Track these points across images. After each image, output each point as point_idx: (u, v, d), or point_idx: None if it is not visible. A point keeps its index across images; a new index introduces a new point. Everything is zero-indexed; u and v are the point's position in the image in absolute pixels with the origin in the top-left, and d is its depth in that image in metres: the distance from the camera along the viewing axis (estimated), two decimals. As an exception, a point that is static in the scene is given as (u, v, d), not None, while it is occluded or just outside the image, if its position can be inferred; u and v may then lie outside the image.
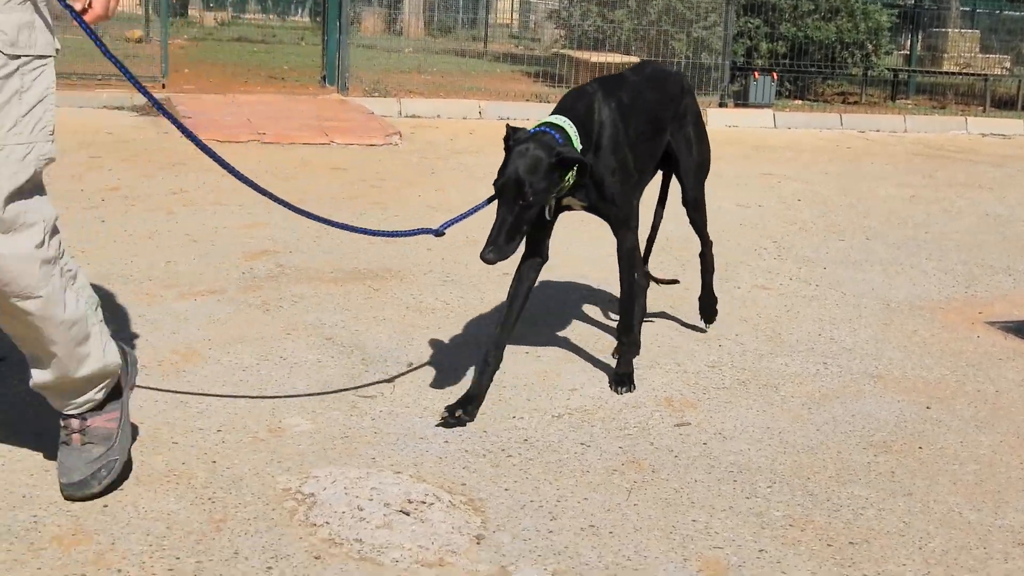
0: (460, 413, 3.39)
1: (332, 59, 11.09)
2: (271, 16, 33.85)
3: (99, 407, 2.91)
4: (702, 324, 4.48)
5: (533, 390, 3.73)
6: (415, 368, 3.88)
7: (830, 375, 4.06)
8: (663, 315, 4.67)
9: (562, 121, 3.42)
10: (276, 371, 3.77)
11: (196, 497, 2.84)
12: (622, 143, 3.57)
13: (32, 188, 2.56)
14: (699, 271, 4.43)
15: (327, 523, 2.74)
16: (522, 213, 3.24)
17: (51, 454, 2.96)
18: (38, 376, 2.81)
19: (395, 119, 10.05)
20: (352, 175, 7.40)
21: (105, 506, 2.77)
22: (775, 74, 13.33)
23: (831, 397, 3.84)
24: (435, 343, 4.13)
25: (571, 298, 4.88)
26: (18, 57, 2.50)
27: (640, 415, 3.57)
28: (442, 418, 3.39)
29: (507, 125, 3.43)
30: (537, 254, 3.59)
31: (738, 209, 7.17)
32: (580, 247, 5.52)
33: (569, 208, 3.65)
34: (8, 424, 3.21)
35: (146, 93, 2.94)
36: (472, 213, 3.44)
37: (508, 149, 3.32)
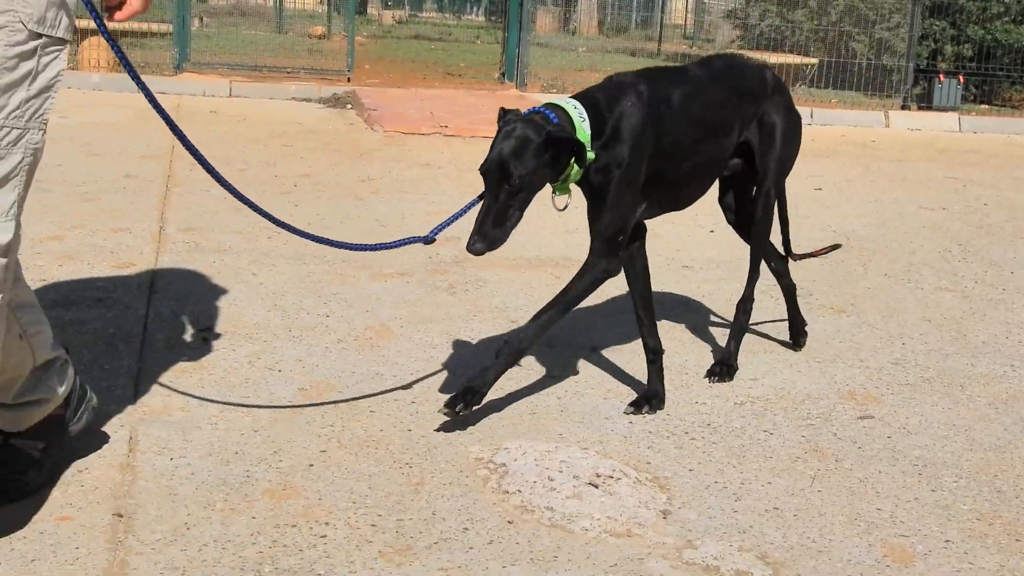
0: (646, 408, 3.43)
1: (511, 56, 11.28)
2: (447, 15, 34.43)
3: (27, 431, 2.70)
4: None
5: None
6: (598, 351, 3.97)
7: (1018, 377, 4.00)
8: (843, 311, 4.65)
9: (568, 103, 3.16)
10: (463, 350, 3.91)
11: (394, 462, 2.99)
12: (643, 146, 3.21)
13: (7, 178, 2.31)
14: (782, 296, 4.18)
15: (519, 491, 2.85)
16: (510, 198, 3.00)
17: (259, 415, 3.15)
18: None
19: (573, 115, 10.15)
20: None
21: (311, 465, 2.93)
22: (961, 77, 12.99)
23: (1020, 398, 3.78)
24: (616, 330, 4.22)
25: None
26: (40, 36, 2.30)
27: (823, 406, 3.59)
28: (627, 413, 3.43)
29: (501, 108, 3.20)
30: (635, 235, 3.44)
31: (922, 212, 7.05)
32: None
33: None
34: (220, 387, 3.41)
35: (144, 89, 2.64)
36: (462, 214, 3.28)
37: (499, 129, 3.09)
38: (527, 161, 2.97)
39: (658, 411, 3.43)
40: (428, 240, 3.23)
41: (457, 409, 3.09)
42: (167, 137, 4.80)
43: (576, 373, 3.75)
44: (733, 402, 3.58)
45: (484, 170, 3.02)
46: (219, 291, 4.33)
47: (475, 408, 3.16)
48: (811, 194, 7.34)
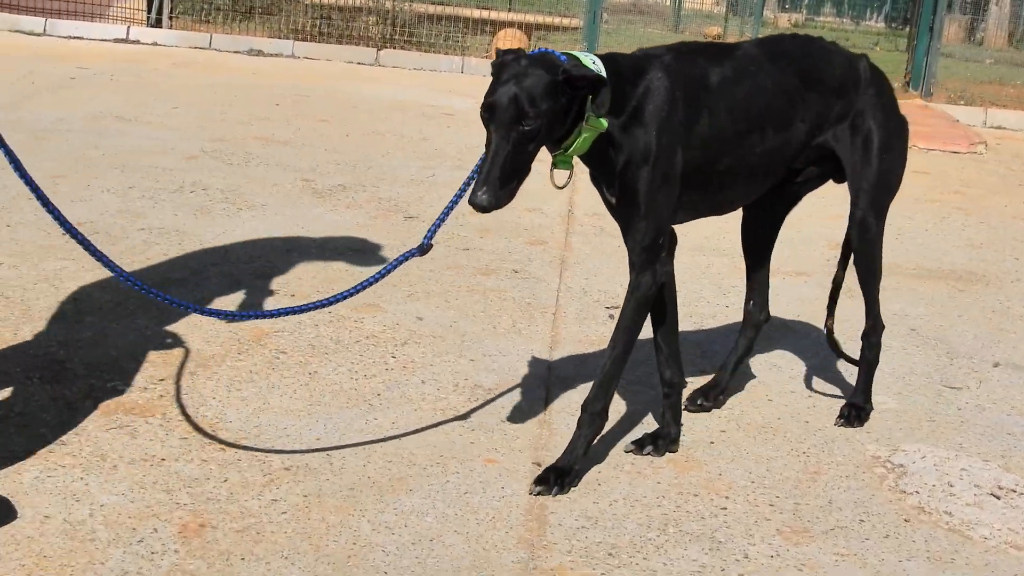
0: (650, 449, 2.97)
1: (919, 65, 10.96)
2: (845, 19, 33.69)
3: None
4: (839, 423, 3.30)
5: None
6: (1001, 366, 3.89)
7: None
8: None
9: (586, 56, 2.62)
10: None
11: (791, 450, 3.09)
12: (673, 133, 2.68)
13: None
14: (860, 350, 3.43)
15: (916, 492, 2.89)
16: (521, 145, 2.47)
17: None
18: None
19: (979, 128, 9.77)
20: (933, 180, 7.35)
21: (711, 443, 3.09)
22: None
23: None
24: (1022, 349, 4.11)
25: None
26: None
27: None
28: (627, 451, 2.98)
29: (497, 48, 2.72)
30: None
31: None
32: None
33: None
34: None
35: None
36: (451, 208, 2.88)
37: (499, 66, 2.56)
38: (542, 101, 2.47)
39: (666, 453, 2.97)
40: (424, 249, 2.88)
41: (553, 492, 2.70)
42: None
43: (978, 386, 3.70)
44: None
45: (491, 106, 2.48)
46: (624, 272, 4.55)
47: (572, 488, 2.75)
48: None
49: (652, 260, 2.76)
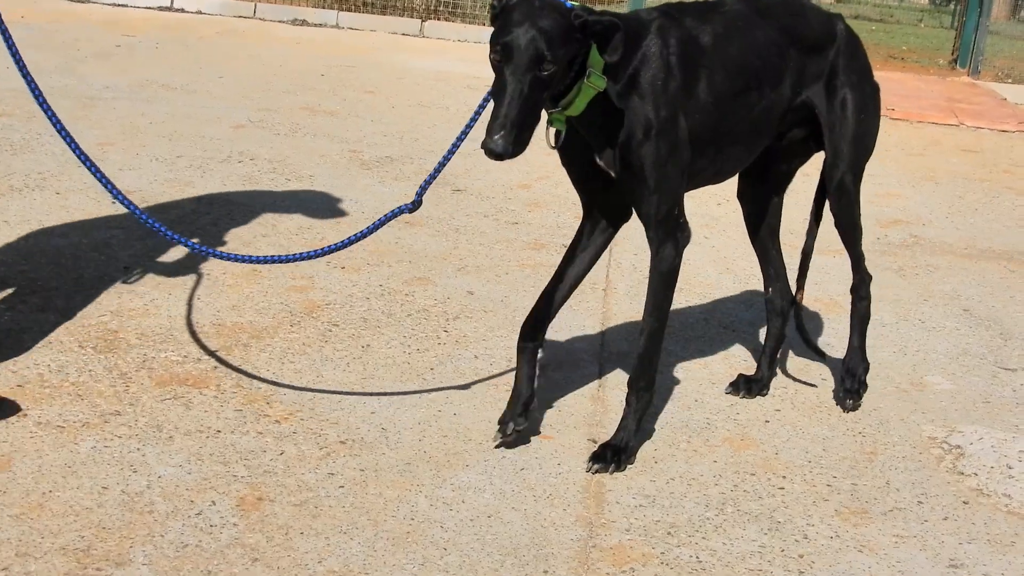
0: (597, 467, 2.72)
1: (967, 41, 10.82)
2: (889, -5, 33.35)
3: None
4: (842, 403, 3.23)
5: None
6: (1057, 351, 3.85)
7: None
8: None
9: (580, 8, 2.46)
10: (915, 332, 3.90)
11: (847, 429, 3.07)
12: (673, 98, 2.59)
13: None
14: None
15: (975, 474, 2.86)
16: (537, 91, 2.34)
17: (715, 369, 3.32)
18: None
19: (1027, 106, 9.65)
20: (983, 158, 7.26)
21: (767, 422, 3.07)
22: None
23: None
24: (1079, 330, 4.07)
25: None
26: None
27: None
28: (590, 471, 2.72)
29: None
30: (609, 212, 2.83)
31: None
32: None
33: (607, 176, 2.69)
34: (676, 340, 3.61)
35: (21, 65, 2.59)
36: (444, 163, 2.83)
37: (507, 8, 2.40)
38: (560, 45, 2.35)
39: (623, 468, 2.73)
40: (414, 205, 2.81)
41: (610, 470, 2.69)
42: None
43: (1032, 368, 3.66)
44: None
45: (507, 47, 2.34)
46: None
47: (629, 466, 2.74)
48: None
49: (671, 231, 2.67)
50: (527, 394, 2.79)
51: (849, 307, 3.31)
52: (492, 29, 2.44)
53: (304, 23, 10.37)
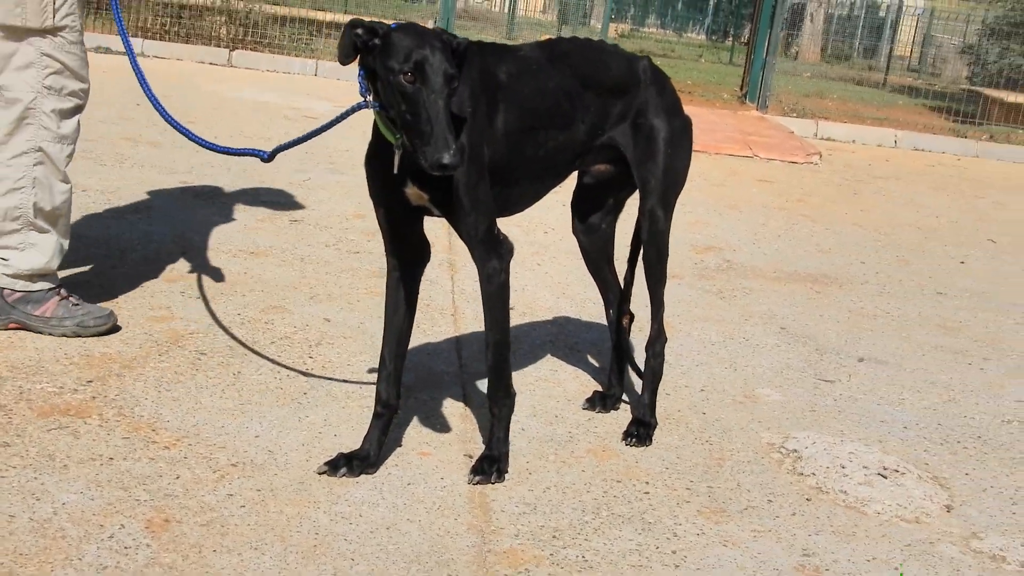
0: (479, 478, 2.88)
1: (755, 78, 11.50)
2: (668, 31, 34.77)
3: None
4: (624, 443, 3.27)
5: (978, 397, 4.00)
6: (865, 361, 4.23)
7: None
8: (1103, 349, 4.79)
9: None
10: (741, 349, 4.22)
11: (695, 439, 3.34)
12: (479, 126, 2.72)
13: None
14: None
15: (813, 474, 3.17)
16: (448, 107, 2.48)
17: (569, 388, 3.55)
18: None
19: (812, 140, 10.34)
20: (778, 188, 7.78)
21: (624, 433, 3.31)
22: None
23: None
24: (883, 343, 4.47)
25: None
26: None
27: (1089, 432, 3.78)
28: (470, 481, 2.88)
29: (353, 19, 2.63)
30: (415, 251, 2.94)
31: None
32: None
33: (425, 210, 2.83)
34: (526, 360, 3.82)
35: (139, 73, 3.23)
36: (311, 136, 2.95)
37: (393, 34, 2.53)
38: (454, 66, 2.52)
39: (502, 477, 2.90)
40: (268, 158, 2.90)
41: (492, 480, 2.85)
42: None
43: (848, 379, 4.02)
44: (1001, 419, 3.80)
45: (421, 65, 2.46)
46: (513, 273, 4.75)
47: (507, 476, 2.90)
48: (1059, 234, 7.38)
49: (494, 244, 2.77)
50: (372, 456, 2.87)
51: (674, 329, 3.50)
52: (358, 57, 2.57)
53: (108, 51, 10.21)
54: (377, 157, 2.77)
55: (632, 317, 3.52)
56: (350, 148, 6.90)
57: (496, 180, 2.83)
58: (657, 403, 3.36)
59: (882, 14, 24.94)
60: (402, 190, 2.75)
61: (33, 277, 3.50)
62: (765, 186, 7.83)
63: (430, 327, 3.99)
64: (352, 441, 3.00)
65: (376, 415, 2.92)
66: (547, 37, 3.47)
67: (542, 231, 5.55)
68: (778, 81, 12.37)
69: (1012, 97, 13.22)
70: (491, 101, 2.78)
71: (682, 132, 3.21)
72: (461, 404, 3.38)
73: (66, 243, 3.58)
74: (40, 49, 3.34)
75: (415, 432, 3.14)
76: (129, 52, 3.29)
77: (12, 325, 3.48)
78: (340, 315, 4.02)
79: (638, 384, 3.51)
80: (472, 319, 4.14)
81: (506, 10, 20.13)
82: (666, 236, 3.23)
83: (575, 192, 3.38)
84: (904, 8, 23.49)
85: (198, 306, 3.90)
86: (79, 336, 3.48)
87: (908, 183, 8.87)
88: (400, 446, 3.03)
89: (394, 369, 2.93)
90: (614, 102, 3.09)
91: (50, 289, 3.53)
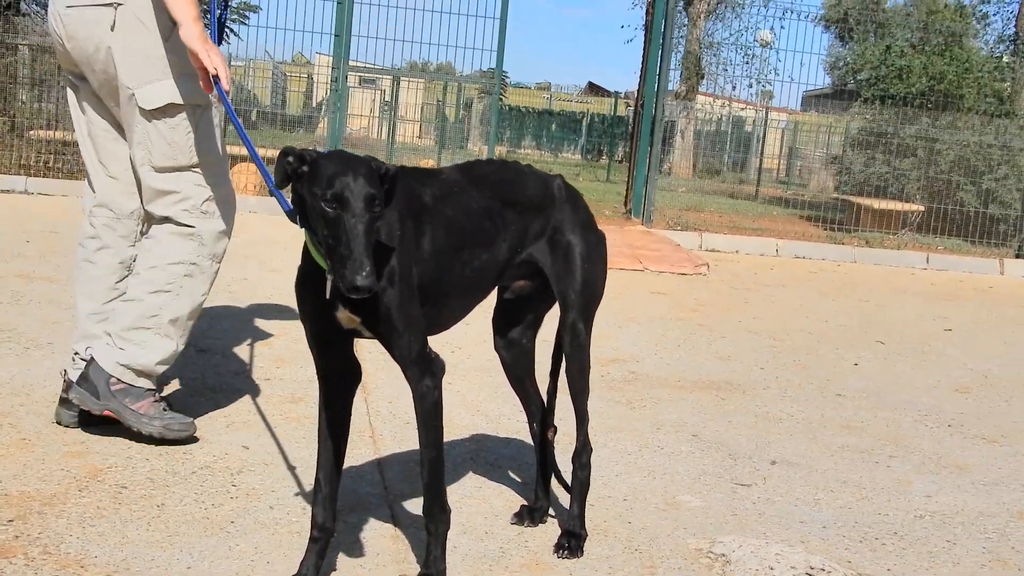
0: None
1: (639, 193, 11.82)
2: (544, 152, 35.57)
3: None
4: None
5: (889, 494, 4.12)
6: (777, 464, 4.33)
7: None
8: (995, 442, 4.97)
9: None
10: (656, 457, 4.29)
11: (624, 547, 3.37)
12: (407, 248, 2.77)
13: None
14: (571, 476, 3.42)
15: (744, 577, 3.22)
16: (372, 229, 2.53)
17: (495, 503, 3.56)
18: None
19: (697, 251, 10.62)
20: (672, 299, 7.97)
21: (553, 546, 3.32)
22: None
23: None
24: (795, 446, 4.58)
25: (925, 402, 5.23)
26: None
27: (997, 523, 3.90)
28: None
29: (284, 147, 2.67)
30: (346, 373, 2.99)
31: (1050, 354, 7.35)
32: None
33: (354, 333, 2.86)
34: (455, 476, 3.83)
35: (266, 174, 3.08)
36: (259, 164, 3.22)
37: (319, 161, 2.59)
38: (380, 189, 2.55)
39: None
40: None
41: None
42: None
43: (764, 482, 4.11)
44: (914, 515, 3.91)
45: (342, 194, 2.50)
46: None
47: None
48: (942, 335, 7.67)
49: (426, 365, 2.80)
50: None
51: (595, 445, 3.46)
52: (290, 183, 2.62)
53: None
54: (308, 281, 2.80)
55: (555, 430, 3.56)
56: (247, 277, 6.90)
57: (425, 299, 2.86)
58: (588, 518, 3.39)
59: (748, 128, 25.90)
60: (333, 314, 2.78)
61: (140, 374, 3.83)
62: (659, 298, 8.00)
63: (350, 450, 3.94)
64: (285, 568, 2.96)
65: (312, 539, 2.89)
66: (427, 162, 3.64)
67: (449, 350, 5.59)
68: (658, 196, 12.74)
69: (880, 204, 13.79)
70: (418, 223, 2.83)
71: (597, 246, 3.28)
72: (391, 525, 3.36)
73: (175, 356, 3.93)
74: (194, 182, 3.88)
75: (347, 556, 3.11)
76: (248, 146, 3.40)
77: (106, 412, 3.80)
78: (258, 442, 3.99)
79: (564, 496, 3.54)
80: (391, 440, 4.14)
81: (385, 136, 20.38)
82: (587, 349, 3.28)
83: (496, 309, 3.44)
84: (769, 122, 24.41)
85: (113, 440, 3.83)
86: (163, 438, 3.79)
87: (794, 289, 9.15)
88: (335, 570, 3.00)
89: (330, 492, 2.92)
90: (532, 219, 3.16)
91: (148, 389, 3.85)
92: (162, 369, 3.89)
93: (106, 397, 3.79)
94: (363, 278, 2.42)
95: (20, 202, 9.62)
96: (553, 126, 37.33)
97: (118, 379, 3.80)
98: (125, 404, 3.79)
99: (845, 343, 7.03)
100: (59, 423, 3.91)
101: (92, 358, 3.85)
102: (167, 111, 3.79)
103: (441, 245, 2.89)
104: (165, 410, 3.84)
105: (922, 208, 14.45)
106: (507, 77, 38.62)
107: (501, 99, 29.14)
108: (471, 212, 3.01)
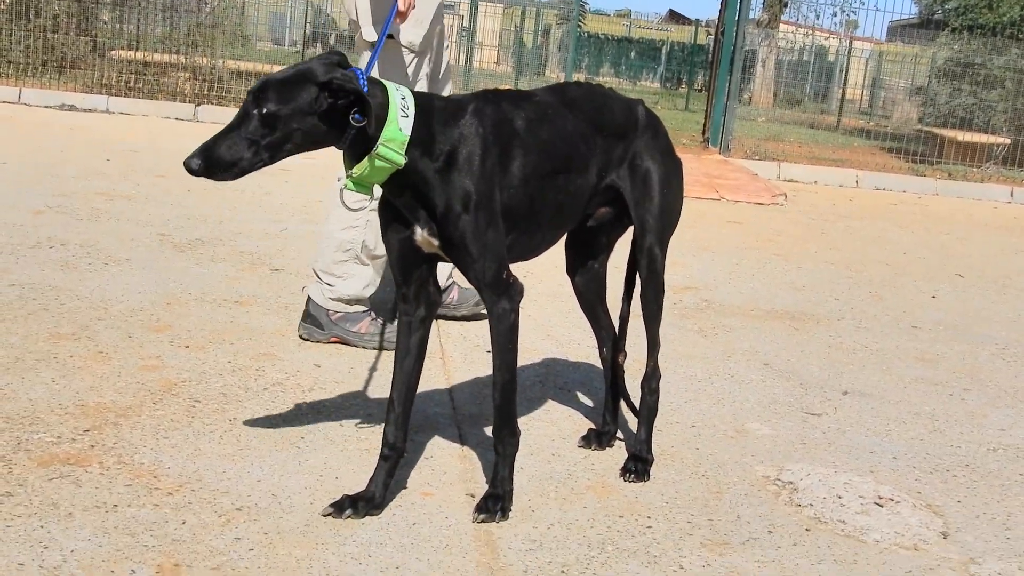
0: (483, 516, 2.89)
1: (717, 122, 11.66)
2: (623, 79, 35.16)
3: None
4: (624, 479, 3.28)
5: (963, 427, 4.06)
6: (849, 394, 4.29)
7: None
8: (1078, 377, 4.86)
9: (396, 89, 2.68)
10: (727, 385, 4.27)
11: (691, 473, 3.36)
12: (489, 173, 2.75)
13: None
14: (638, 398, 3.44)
15: (811, 505, 3.20)
16: (256, 131, 2.50)
17: (563, 426, 3.57)
18: None
19: (775, 182, 10.48)
20: (748, 229, 7.88)
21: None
22: None
23: None
24: (867, 375, 4.53)
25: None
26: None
27: (1073, 458, 3.84)
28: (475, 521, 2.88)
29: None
30: (427, 296, 2.95)
31: None
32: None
33: (437, 256, 2.88)
34: (521, 398, 3.85)
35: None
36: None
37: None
38: (291, 101, 2.51)
39: (506, 516, 2.90)
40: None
41: (496, 518, 2.87)
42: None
43: (834, 412, 4.07)
44: (987, 448, 3.86)
45: (251, 89, 2.56)
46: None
47: (511, 513, 2.91)
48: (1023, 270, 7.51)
49: (504, 289, 2.81)
50: (378, 498, 2.88)
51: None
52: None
53: (73, 108, 10.23)
54: (388, 205, 2.83)
55: (625, 355, 3.55)
56: (324, 199, 6.92)
57: (516, 225, 2.87)
58: (653, 443, 3.39)
59: (831, 58, 25.36)
60: (412, 238, 2.81)
61: (351, 301, 4.23)
62: (735, 227, 7.92)
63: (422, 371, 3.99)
64: (353, 483, 3.00)
65: (383, 457, 2.93)
66: (506, 87, 3.69)
67: (521, 275, 5.56)
68: (737, 126, 12.55)
69: (964, 136, 13.47)
70: (506, 148, 2.81)
71: (675, 172, 3.28)
72: (459, 445, 3.39)
73: (379, 278, 4.31)
74: None
75: (416, 473, 3.14)
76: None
77: (334, 339, 4.22)
78: (329, 361, 4.03)
79: (631, 421, 3.54)
80: (461, 362, 4.16)
81: (463, 62, 20.29)
82: (662, 275, 3.28)
83: (569, 234, 3.40)
84: (852, 52, 23.89)
85: (188, 355, 3.90)
86: (387, 351, 4.15)
87: (873, 221, 9.01)
88: (404, 487, 3.04)
89: (402, 412, 2.95)
90: (616, 144, 3.14)
91: (364, 311, 4.26)
92: (369, 292, 4.27)
93: (329, 327, 4.21)
94: (188, 159, 2.51)
95: (102, 121, 9.74)
96: (632, 54, 36.83)
97: (335, 311, 4.20)
98: (347, 329, 4.21)
99: (923, 276, 6.92)
100: (301, 337, 4.27)
101: (309, 297, 4.24)
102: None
103: (534, 170, 2.87)
104: (384, 325, 4.24)
105: (1008, 141, 14.09)
106: (586, 3, 38.21)
107: (579, 26, 28.88)
108: (567, 135, 2.98)
